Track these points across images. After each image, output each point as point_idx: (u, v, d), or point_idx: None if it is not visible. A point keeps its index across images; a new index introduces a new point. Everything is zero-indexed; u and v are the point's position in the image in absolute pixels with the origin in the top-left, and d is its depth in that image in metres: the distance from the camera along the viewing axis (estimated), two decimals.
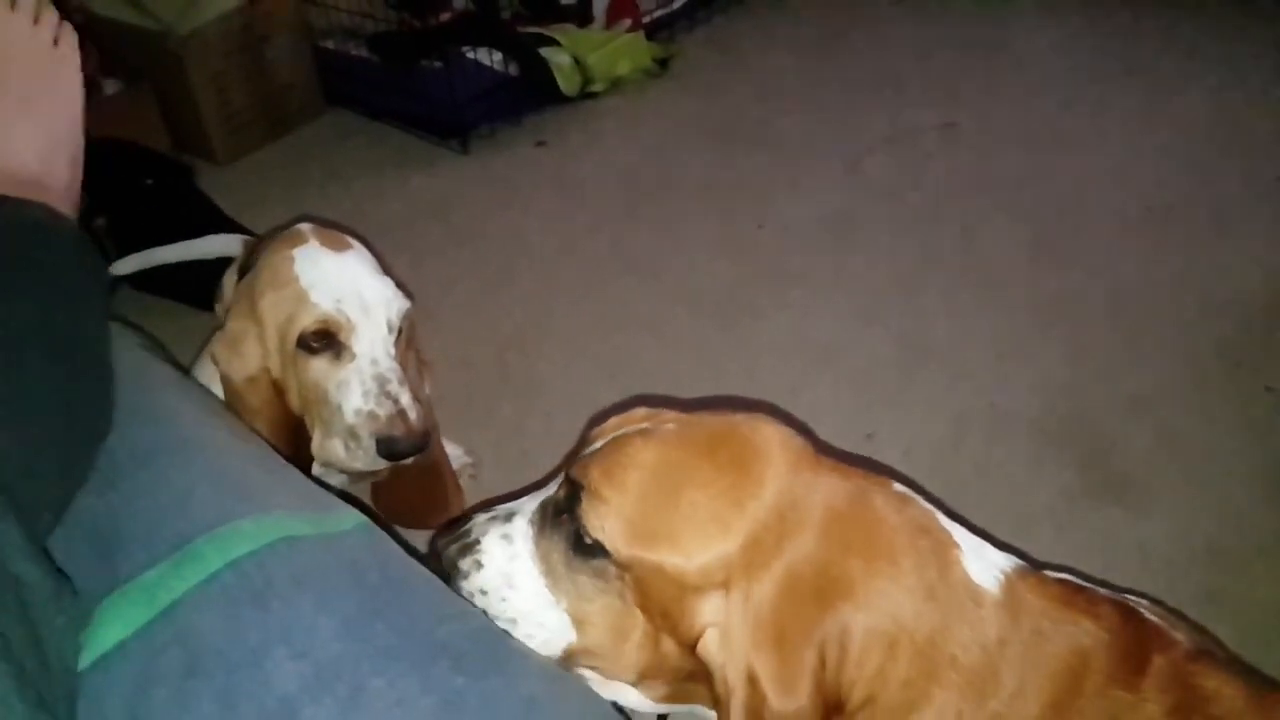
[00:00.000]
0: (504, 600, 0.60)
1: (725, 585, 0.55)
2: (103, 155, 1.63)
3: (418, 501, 1.09)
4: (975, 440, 1.26)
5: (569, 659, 0.61)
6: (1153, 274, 1.52)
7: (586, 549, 0.57)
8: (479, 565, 0.61)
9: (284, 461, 0.65)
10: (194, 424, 0.62)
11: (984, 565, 0.57)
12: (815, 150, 1.89)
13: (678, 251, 1.64)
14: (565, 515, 0.59)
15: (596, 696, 0.61)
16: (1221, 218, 1.63)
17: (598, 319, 1.50)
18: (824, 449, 0.61)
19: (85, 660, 0.46)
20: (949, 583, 0.55)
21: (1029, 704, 0.53)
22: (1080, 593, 0.58)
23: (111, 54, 1.89)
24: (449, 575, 0.62)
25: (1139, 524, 1.13)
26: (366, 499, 1.11)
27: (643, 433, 0.60)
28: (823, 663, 0.53)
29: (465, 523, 0.64)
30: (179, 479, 0.55)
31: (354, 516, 0.60)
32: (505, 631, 0.59)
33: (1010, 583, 0.56)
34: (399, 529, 1.08)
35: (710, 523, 0.55)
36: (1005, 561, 0.58)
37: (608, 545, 0.56)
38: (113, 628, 0.47)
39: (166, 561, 0.49)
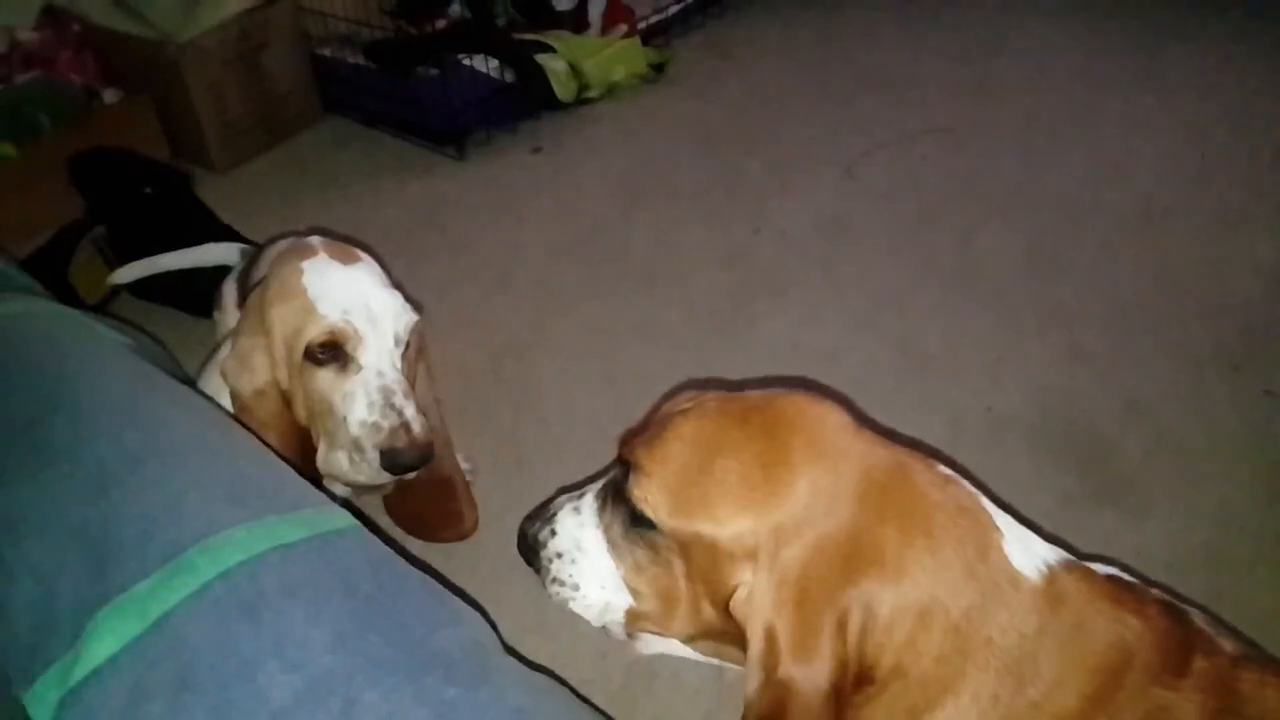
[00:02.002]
0: (574, 563, 0.64)
1: (756, 547, 0.56)
2: (102, 164, 1.66)
3: (431, 515, 1.09)
4: (972, 444, 1.26)
5: (631, 622, 0.64)
6: (1150, 277, 1.52)
7: (639, 522, 0.60)
8: (553, 533, 0.66)
9: (276, 459, 0.65)
10: (185, 426, 0.62)
11: (1027, 554, 0.57)
12: (811, 155, 1.89)
13: (673, 257, 1.64)
14: (621, 492, 0.62)
15: (581, 708, 0.61)
16: (1219, 220, 1.63)
17: (594, 324, 1.50)
18: (875, 426, 0.61)
19: (78, 674, 0.46)
20: (988, 565, 0.55)
21: (1068, 695, 0.54)
22: (1129, 590, 0.59)
23: (110, 63, 1.90)
24: (532, 551, 0.66)
25: (1137, 528, 1.13)
26: (374, 514, 1.11)
27: (684, 410, 0.62)
28: (844, 629, 0.54)
29: (548, 504, 0.69)
30: (171, 484, 0.55)
31: (346, 517, 0.60)
32: (494, 640, 0.60)
33: (1054, 574, 0.57)
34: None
35: (739, 488, 0.56)
36: (1050, 553, 0.59)
37: (652, 516, 0.59)
38: (105, 641, 0.46)
39: (158, 572, 0.49)
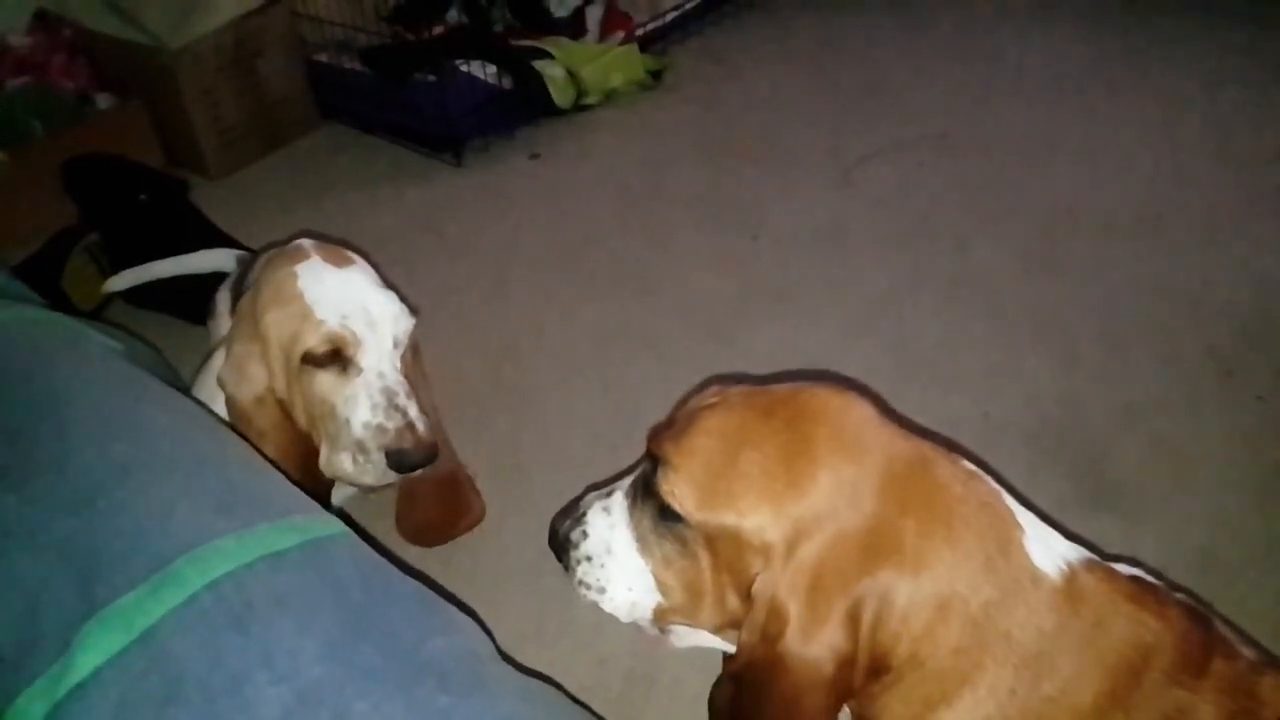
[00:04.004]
0: (602, 567, 0.64)
1: (776, 537, 0.56)
2: (96, 171, 1.65)
3: (441, 516, 1.08)
4: (969, 450, 1.26)
5: (659, 618, 0.65)
6: (1144, 283, 1.53)
7: (668, 516, 0.61)
8: (585, 535, 0.66)
9: (267, 466, 0.65)
10: (174, 435, 0.61)
11: (1047, 552, 0.58)
12: (808, 161, 1.89)
13: (671, 263, 1.64)
14: (650, 487, 0.62)
15: (577, 711, 0.61)
16: (1212, 226, 1.64)
17: (592, 331, 1.50)
18: (901, 420, 0.62)
19: (63, 688, 0.45)
20: (1009, 560, 0.56)
21: (1085, 692, 0.54)
22: (1151, 591, 0.59)
23: (103, 69, 1.90)
24: (563, 548, 0.67)
25: (1132, 532, 1.13)
26: (368, 521, 1.10)
27: (710, 404, 0.63)
28: (857, 617, 0.54)
29: (578, 501, 0.69)
30: (159, 494, 0.55)
31: (337, 524, 0.59)
32: (488, 647, 0.60)
33: (1074, 572, 0.57)
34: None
35: (762, 480, 0.57)
36: (1071, 551, 0.59)
37: (679, 510, 0.59)
38: (90, 655, 0.46)
39: (145, 584, 0.48)
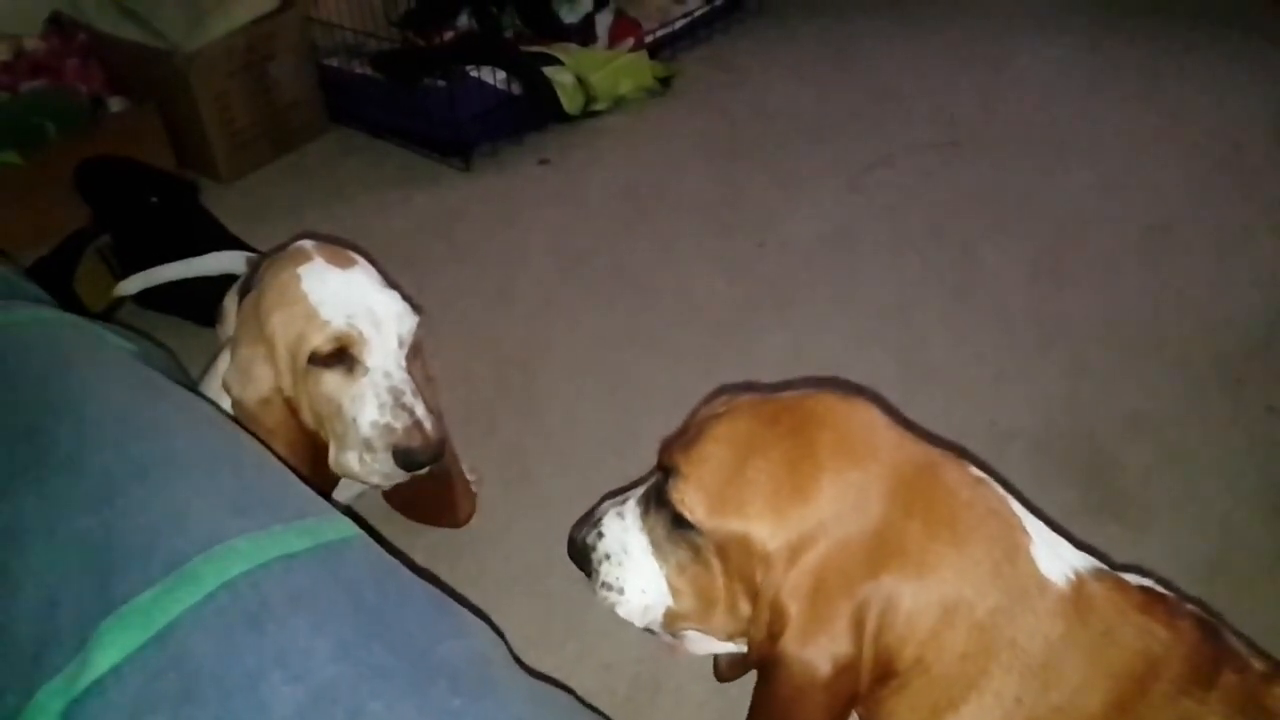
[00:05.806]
0: (620, 565, 0.65)
1: (783, 541, 0.57)
2: (108, 173, 1.67)
3: (429, 504, 1.09)
4: (975, 458, 1.25)
5: (670, 622, 0.66)
6: (1153, 292, 1.53)
7: (681, 525, 0.61)
8: (600, 536, 0.67)
9: (281, 467, 0.65)
10: (190, 435, 0.62)
11: (1055, 560, 0.58)
12: (816, 168, 1.90)
13: (678, 269, 1.65)
14: (662, 496, 0.63)
15: (588, 715, 0.61)
16: (1221, 235, 1.64)
17: (599, 336, 1.51)
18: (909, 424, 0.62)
19: (81, 685, 0.46)
20: (1015, 567, 0.56)
21: (1091, 701, 0.54)
22: (1161, 602, 0.59)
23: (117, 72, 1.91)
24: (583, 554, 0.68)
25: (1139, 542, 1.12)
26: (379, 523, 1.10)
27: (719, 413, 0.63)
28: (861, 621, 0.54)
29: (594, 510, 0.70)
30: (175, 494, 0.55)
31: (350, 526, 0.60)
32: (501, 650, 0.60)
33: (1082, 581, 0.57)
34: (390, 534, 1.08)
35: (768, 486, 0.57)
36: (1080, 560, 0.59)
37: (690, 518, 0.60)
38: (108, 652, 0.46)
39: (162, 582, 0.49)
